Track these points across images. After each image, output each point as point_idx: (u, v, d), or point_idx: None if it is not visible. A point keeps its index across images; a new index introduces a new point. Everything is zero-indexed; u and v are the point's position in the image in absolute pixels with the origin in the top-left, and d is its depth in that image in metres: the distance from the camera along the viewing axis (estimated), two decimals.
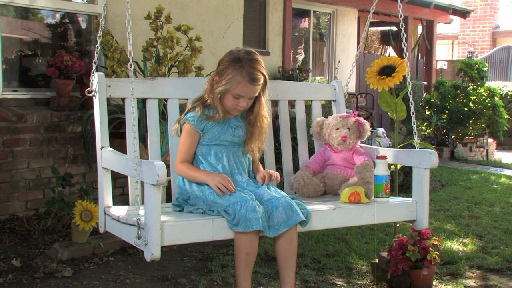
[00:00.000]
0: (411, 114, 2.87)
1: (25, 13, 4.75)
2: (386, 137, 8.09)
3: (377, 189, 2.74)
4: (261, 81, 2.53)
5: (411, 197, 2.81)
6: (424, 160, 2.70)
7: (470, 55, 12.69)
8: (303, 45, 9.28)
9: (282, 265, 2.47)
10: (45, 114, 4.30)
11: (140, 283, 3.30)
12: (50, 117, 4.31)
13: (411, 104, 2.85)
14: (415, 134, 2.86)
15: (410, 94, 2.85)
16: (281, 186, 2.79)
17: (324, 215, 2.55)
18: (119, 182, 4.48)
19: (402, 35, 2.94)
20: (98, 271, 3.44)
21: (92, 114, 4.17)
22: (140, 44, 4.31)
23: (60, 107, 4.41)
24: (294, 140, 3.13)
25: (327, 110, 5.80)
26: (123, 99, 3.98)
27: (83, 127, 4.29)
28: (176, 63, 4.35)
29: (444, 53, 17.74)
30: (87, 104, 4.46)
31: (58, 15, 5.00)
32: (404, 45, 2.93)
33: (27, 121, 4.19)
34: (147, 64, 4.35)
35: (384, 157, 2.78)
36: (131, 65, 2.28)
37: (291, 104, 3.18)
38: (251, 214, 2.29)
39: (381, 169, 2.74)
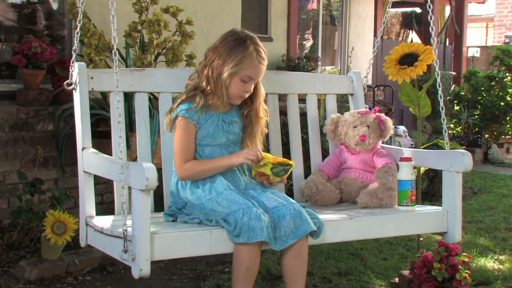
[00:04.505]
0: (440, 109, 2.90)
1: None
2: (408, 137, 8.13)
3: (401, 196, 2.79)
4: (266, 63, 2.66)
5: (437, 205, 2.85)
6: (456, 163, 2.74)
7: (507, 40, 12.71)
8: (311, 29, 9.31)
9: (289, 283, 2.52)
10: (10, 109, 4.33)
11: None
12: (16, 113, 4.34)
13: (440, 98, 2.89)
14: (445, 132, 2.90)
15: (439, 87, 2.89)
16: (290, 193, 2.83)
17: (339, 225, 2.60)
18: (98, 188, 4.49)
19: (429, 18, 2.97)
20: None
21: (66, 110, 4.27)
22: (122, 29, 4.32)
23: (28, 101, 4.44)
24: (304, 139, 3.17)
25: (338, 105, 5.84)
26: (103, 93, 4.07)
27: (55, 124, 4.32)
28: (164, 51, 4.39)
29: (476, 39, 17.76)
30: (60, 98, 4.49)
31: None
32: (432, 29, 2.97)
33: None
34: (130, 51, 4.38)
35: (409, 159, 2.82)
36: (115, 53, 2.32)
37: (301, 98, 3.22)
38: (255, 223, 2.34)
39: (406, 173, 2.79)
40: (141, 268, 2.19)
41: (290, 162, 2.64)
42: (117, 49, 4.22)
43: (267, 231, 2.36)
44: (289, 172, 2.64)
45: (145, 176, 2.11)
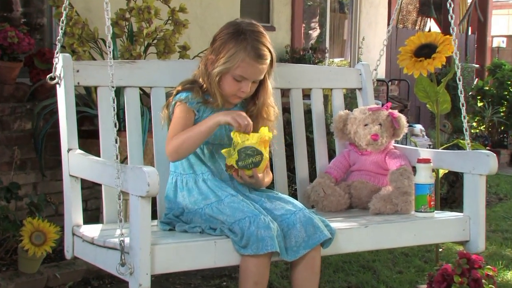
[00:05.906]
0: (461, 105, 2.93)
1: None
2: (425, 136, 8.16)
3: (418, 201, 2.81)
4: (268, 59, 2.63)
5: (458, 212, 2.87)
6: (479, 164, 2.77)
7: None
8: (318, 17, 9.35)
9: None
10: None
11: None
12: None
13: (461, 93, 2.92)
14: (466, 131, 2.93)
15: (460, 81, 2.92)
16: (294, 198, 2.84)
17: (353, 234, 2.63)
18: (82, 194, 4.52)
19: (448, 4, 3.00)
20: None
21: (46, 107, 4.29)
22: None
23: (3, 97, 4.46)
24: (309, 139, 3.19)
25: (348, 101, 5.88)
26: (87, 88, 4.09)
27: (34, 123, 4.34)
28: (155, 41, 4.41)
29: (502, 27, 17.77)
30: (39, 94, 4.51)
31: None
32: (452, 17, 3.00)
33: None
34: (117, 42, 4.40)
35: (427, 161, 2.85)
36: (109, 44, 2.34)
37: (306, 93, 3.24)
38: (264, 232, 2.34)
39: (424, 176, 2.81)
40: (140, 283, 2.19)
41: (263, 150, 2.49)
42: (101, 38, 4.31)
43: (277, 240, 2.37)
44: (261, 166, 2.54)
45: (146, 181, 2.12)
